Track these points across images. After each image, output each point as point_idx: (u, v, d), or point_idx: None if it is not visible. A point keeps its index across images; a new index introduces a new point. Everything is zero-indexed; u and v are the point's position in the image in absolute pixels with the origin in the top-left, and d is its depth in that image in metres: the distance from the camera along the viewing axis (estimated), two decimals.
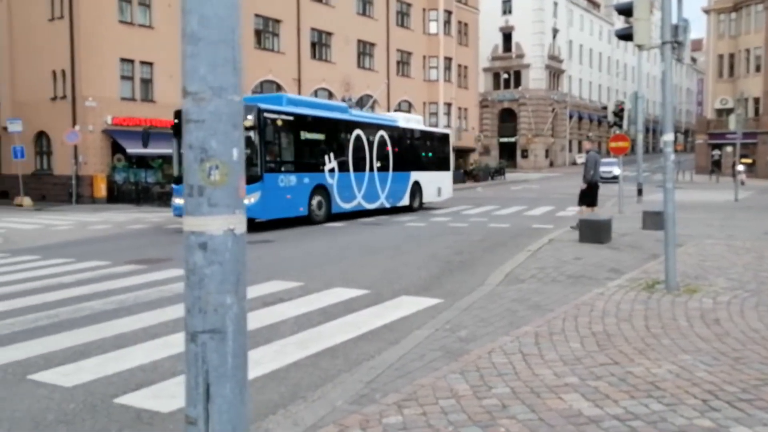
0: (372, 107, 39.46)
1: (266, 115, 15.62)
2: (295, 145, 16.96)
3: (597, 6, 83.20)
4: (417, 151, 23.02)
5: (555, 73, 71.67)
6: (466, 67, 51.83)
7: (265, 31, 35.11)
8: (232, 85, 2.51)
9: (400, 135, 21.96)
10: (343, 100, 37.13)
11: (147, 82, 29.58)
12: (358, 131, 19.50)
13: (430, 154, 23.87)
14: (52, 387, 4.71)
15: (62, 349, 5.66)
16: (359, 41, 41.49)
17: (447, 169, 25.04)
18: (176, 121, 15.90)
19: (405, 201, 21.81)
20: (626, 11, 8.00)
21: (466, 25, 51.84)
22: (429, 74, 47.52)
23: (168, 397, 4.48)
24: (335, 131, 18.77)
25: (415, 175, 22.37)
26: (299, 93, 35.61)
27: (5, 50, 29.82)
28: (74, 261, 11.29)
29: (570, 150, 75.79)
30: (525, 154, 70.39)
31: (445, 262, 10.47)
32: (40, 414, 4.22)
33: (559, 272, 8.79)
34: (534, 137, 69.35)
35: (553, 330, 5.67)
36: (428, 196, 23.27)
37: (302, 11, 36.82)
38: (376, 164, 20.26)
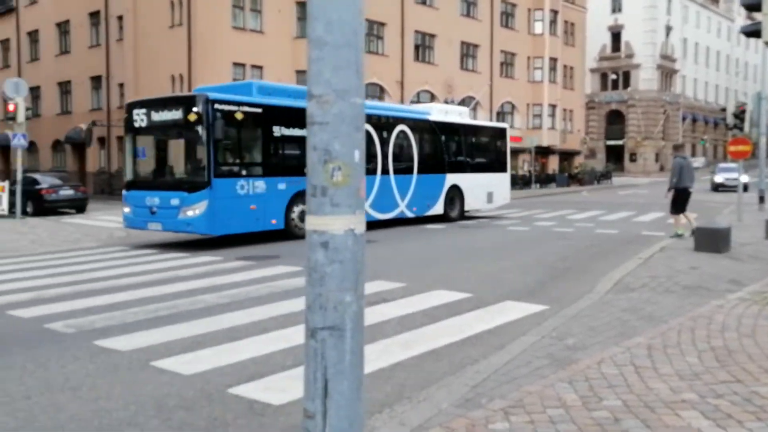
0: (474, 109, 39.19)
1: (218, 107, 12.55)
2: (264, 144, 13.77)
3: (715, 1, 78.76)
4: (457, 149, 19.32)
5: (667, 73, 68.46)
6: (572, 68, 50.45)
7: (370, 34, 35.61)
8: (355, 87, 2.56)
9: (429, 130, 18.35)
10: (446, 102, 37.10)
11: None
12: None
13: (476, 153, 20.20)
14: (172, 374, 4.98)
15: (181, 339, 5.97)
16: (462, 43, 41.29)
17: (502, 170, 21.10)
18: (126, 115, 13.66)
19: (437, 209, 18.32)
20: (754, 7, 7.53)
21: (572, 24, 50.46)
22: (533, 75, 46.63)
23: (279, 390, 4.62)
24: None
25: (452, 179, 18.81)
26: (402, 96, 35.92)
27: (130, 56, 31.84)
28: (188, 256, 11.90)
29: None
30: (633, 158, 67.65)
31: (549, 267, 10.23)
32: (162, 399, 4.47)
33: (672, 282, 8.38)
34: (643, 140, 66.53)
35: (668, 343, 5.41)
36: (474, 202, 19.75)
37: (406, 14, 37.08)
38: (392, 165, 16.88)
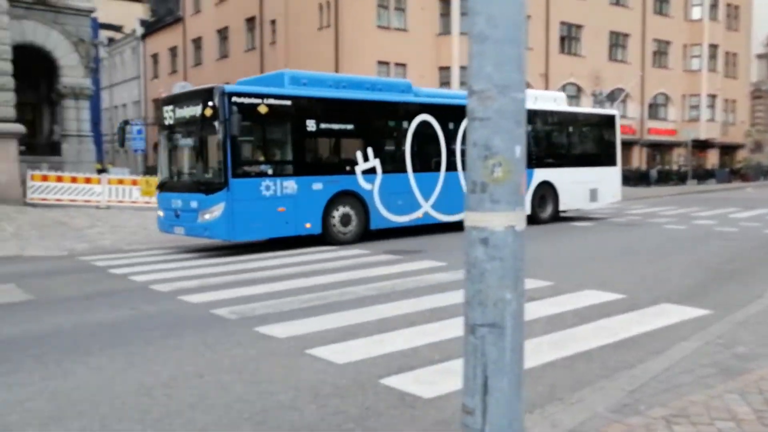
0: (624, 101, 37.33)
1: (236, 100, 11.39)
2: (295, 140, 12.36)
3: None
4: (548, 140, 17.19)
5: None
6: (735, 55, 46.62)
7: None
8: (517, 82, 2.53)
9: None
10: (594, 96, 35.57)
11: None
12: (423, 116, 14.25)
13: (575, 145, 17.92)
14: (326, 362, 5.19)
15: (333, 329, 6.22)
16: (611, 32, 39.46)
17: (610, 163, 18.49)
18: (158, 112, 12.76)
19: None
20: None
21: (736, 7, 46.58)
22: (690, 64, 43.60)
23: (428, 383, 4.68)
24: (379, 117, 13.86)
25: (542, 174, 16.50)
26: (546, 89, 34.98)
27: (282, 58, 33.50)
28: (337, 249, 12.34)
29: None
30: None
31: (712, 269, 9.54)
32: (318, 386, 4.68)
33: None
34: None
35: None
36: (571, 201, 17.37)
37: (551, 5, 36.02)
38: (460, 161, 14.88)
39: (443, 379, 4.71)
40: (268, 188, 11.88)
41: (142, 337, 6.16)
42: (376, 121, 13.77)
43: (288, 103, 12.22)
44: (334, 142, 13.20)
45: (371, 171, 13.38)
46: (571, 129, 17.71)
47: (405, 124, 14.02)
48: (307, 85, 12.93)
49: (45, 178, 20.85)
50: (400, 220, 13.79)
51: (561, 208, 17.04)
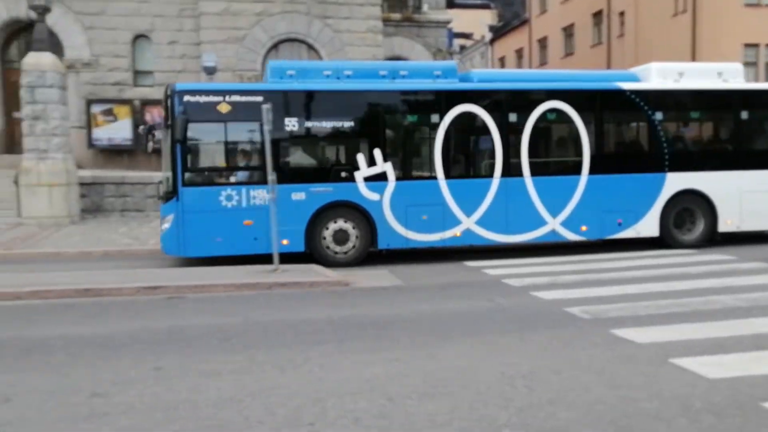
0: None
1: (188, 99, 10.23)
2: (267, 142, 9.92)
3: None
4: (693, 132, 12.80)
5: None
6: None
7: None
8: None
9: (622, 106, 12.02)
10: None
11: None
12: (465, 107, 11.29)
13: (740, 137, 12.54)
14: (694, 375, 4.78)
15: (699, 339, 5.70)
16: None
17: None
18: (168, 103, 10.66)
19: (645, 228, 11.84)
20: None
21: None
22: None
23: None
24: (393, 112, 11.44)
25: (681, 179, 12.00)
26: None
27: (631, 51, 31.90)
28: (695, 253, 11.31)
29: None
30: None
31: None
32: (686, 399, 4.33)
33: None
34: None
35: None
36: (736, 218, 12.17)
37: None
38: (529, 162, 11.49)
39: None
40: (230, 198, 10.51)
41: (497, 328, 6.45)
42: (389, 117, 11.40)
43: (259, 98, 10.42)
44: (323, 144, 11.35)
45: (379, 177, 11.00)
46: (730, 116, 12.53)
47: (435, 117, 11.29)
48: (296, 77, 11.09)
49: None
50: (425, 239, 11.16)
51: (721, 228, 12.14)
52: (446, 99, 11.31)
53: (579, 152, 11.73)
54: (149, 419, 4.20)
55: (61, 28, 20.68)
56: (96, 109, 20.75)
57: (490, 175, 11.39)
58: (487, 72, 14.07)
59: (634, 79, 12.40)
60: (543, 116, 11.61)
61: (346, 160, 11.23)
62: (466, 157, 11.82)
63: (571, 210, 11.57)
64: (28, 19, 19.70)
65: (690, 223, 12.17)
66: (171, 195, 10.54)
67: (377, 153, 11.01)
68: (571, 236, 11.63)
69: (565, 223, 11.57)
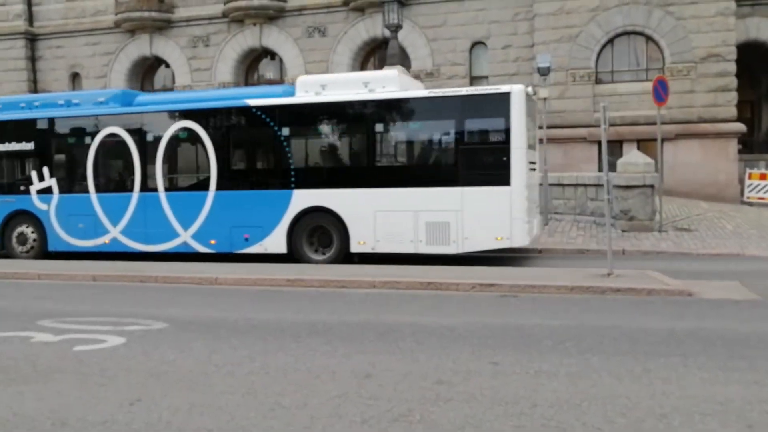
0: None
1: None
2: None
3: None
4: (317, 147, 12.12)
5: None
6: None
7: None
8: None
9: (248, 122, 12.28)
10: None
11: None
12: (109, 130, 12.77)
13: (371, 153, 11.64)
14: None
15: None
16: None
17: (497, 181, 10.69)
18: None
19: (272, 243, 11.79)
20: None
21: None
22: None
23: None
24: (52, 135, 13.31)
25: (307, 196, 11.65)
26: None
27: None
28: None
29: None
30: None
31: None
32: None
33: None
34: None
35: None
36: (385, 239, 11.27)
37: None
38: (164, 179, 12.49)
39: None
40: None
41: None
42: (51, 139, 13.34)
43: None
44: (13, 161, 13.69)
45: (47, 191, 13.26)
46: (387, 126, 11.57)
47: (87, 139, 12.96)
48: (1, 109, 13.74)
49: (763, 177, 20.37)
50: (82, 245, 13.07)
51: (359, 249, 11.50)
52: (96, 123, 12.93)
53: (207, 169, 12.22)
54: (490, 411, 4.40)
55: (409, 42, 22.77)
56: None
57: (132, 189, 12.70)
58: (152, 96, 14.51)
59: (290, 93, 12.19)
60: (176, 135, 12.48)
61: (25, 176, 13.58)
62: (113, 174, 13.21)
63: (200, 224, 12.23)
64: (383, 37, 22.17)
65: (329, 241, 11.69)
66: None
67: (46, 170, 13.26)
68: (202, 249, 12.30)
69: (196, 236, 12.29)
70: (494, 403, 4.55)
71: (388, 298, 8.65)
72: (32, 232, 13.43)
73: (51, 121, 13.29)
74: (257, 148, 12.62)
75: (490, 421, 4.24)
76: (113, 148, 12.92)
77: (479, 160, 10.89)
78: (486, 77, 22.54)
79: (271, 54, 25.12)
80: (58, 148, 13.45)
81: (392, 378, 5.15)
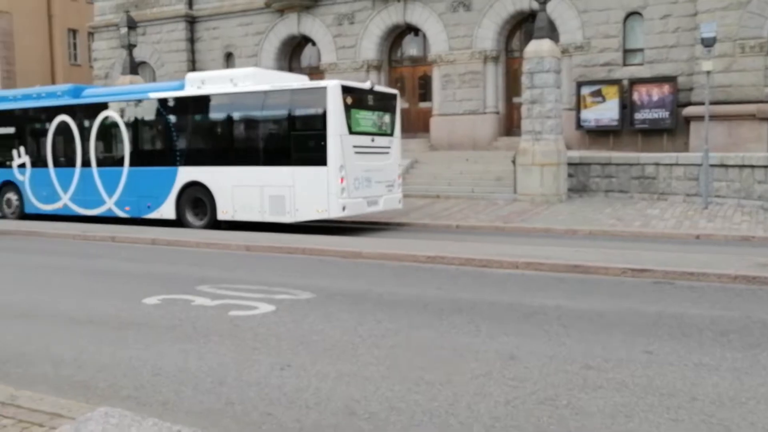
0: None
1: None
2: None
3: None
4: (207, 132, 14.75)
5: None
6: None
7: None
8: None
9: (151, 111, 15.02)
10: None
11: None
12: (61, 117, 16.00)
13: (246, 137, 14.22)
14: None
15: None
16: None
17: (317, 161, 12.85)
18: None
19: (165, 211, 14.67)
20: None
21: None
22: None
23: None
24: (24, 121, 16.81)
25: (186, 172, 14.40)
26: None
27: None
28: None
29: None
30: None
31: None
32: None
33: None
34: None
35: None
36: (241, 209, 13.75)
37: None
38: (95, 156, 15.68)
39: None
40: None
41: None
42: (25, 124, 16.74)
43: None
44: (5, 143, 16.98)
45: (23, 166, 16.63)
46: (241, 115, 14.03)
47: (47, 125, 16.18)
48: None
49: None
50: (47, 209, 16.33)
51: (222, 216, 13.99)
52: (53, 112, 16.04)
53: (123, 149, 15.13)
54: (642, 401, 4.16)
55: (558, 15, 21.80)
56: (585, 90, 21.35)
57: (75, 165, 15.75)
58: (93, 90, 16.93)
59: (181, 87, 14.76)
60: (102, 122, 15.39)
61: (11, 154, 16.81)
62: (63, 152, 16.03)
63: (119, 194, 15.12)
64: (530, 10, 21.44)
65: (204, 210, 14.15)
66: None
67: (22, 149, 16.62)
68: (121, 213, 15.16)
69: (117, 203, 15.20)
70: (648, 393, 4.30)
71: (531, 280, 8.43)
72: (16, 199, 16.95)
73: (25, 110, 16.76)
74: (156, 131, 15.16)
75: (643, 411, 4.01)
76: (63, 131, 16.01)
77: (305, 144, 12.98)
78: (641, 50, 21.16)
79: (414, 30, 25.08)
80: (30, 131, 16.83)
81: (537, 361, 5.01)
